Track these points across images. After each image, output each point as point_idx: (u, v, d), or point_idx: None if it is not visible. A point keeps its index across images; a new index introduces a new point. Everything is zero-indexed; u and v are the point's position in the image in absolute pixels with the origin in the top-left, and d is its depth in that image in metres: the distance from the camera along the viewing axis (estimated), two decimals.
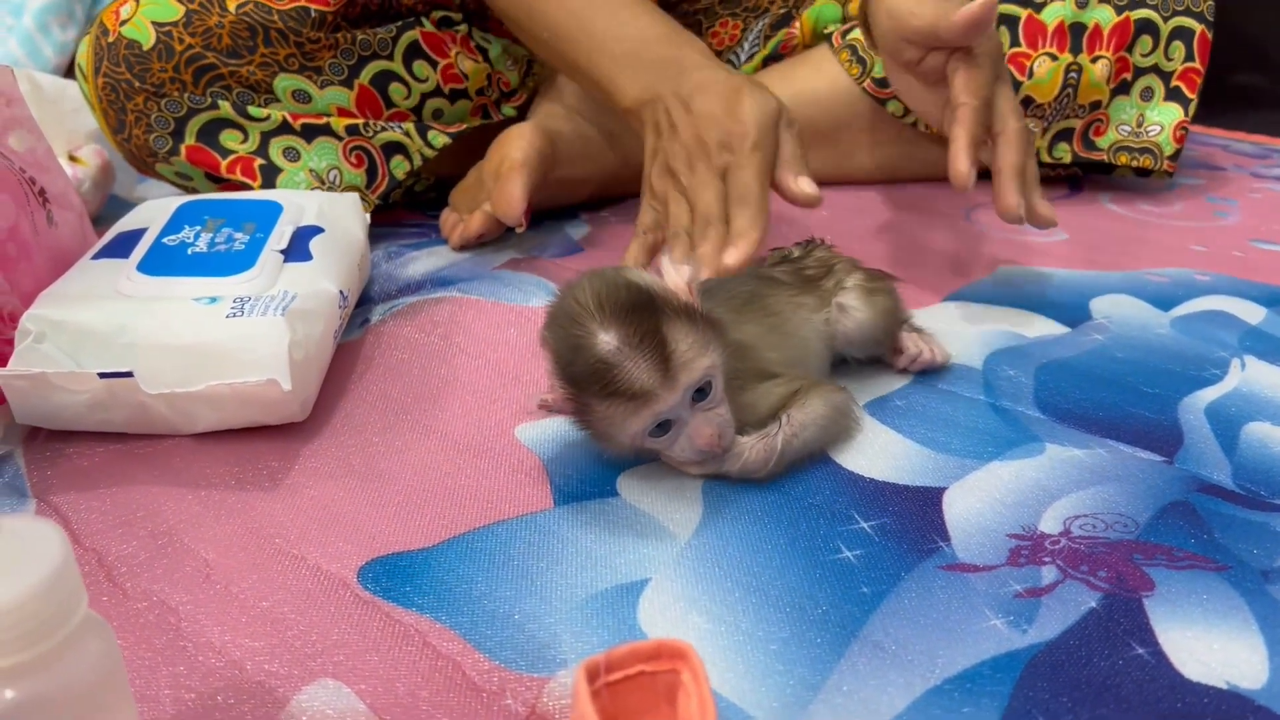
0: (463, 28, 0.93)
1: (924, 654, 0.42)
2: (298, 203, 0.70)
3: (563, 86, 0.94)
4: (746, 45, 1.09)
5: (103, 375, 0.54)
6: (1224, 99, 1.33)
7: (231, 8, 0.82)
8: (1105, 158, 0.96)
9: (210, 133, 0.83)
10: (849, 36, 0.95)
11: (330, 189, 0.84)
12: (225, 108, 0.82)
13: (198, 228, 0.65)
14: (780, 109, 0.70)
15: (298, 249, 0.65)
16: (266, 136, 0.84)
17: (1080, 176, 1.02)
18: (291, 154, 0.84)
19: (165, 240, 0.64)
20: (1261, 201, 0.97)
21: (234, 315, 0.56)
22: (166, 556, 0.49)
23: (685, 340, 0.49)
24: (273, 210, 0.68)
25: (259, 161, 0.83)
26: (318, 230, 0.67)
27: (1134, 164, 0.95)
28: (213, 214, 0.67)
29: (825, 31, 0.99)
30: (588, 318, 0.48)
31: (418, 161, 0.88)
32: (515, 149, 0.80)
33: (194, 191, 0.87)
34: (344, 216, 0.72)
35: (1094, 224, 0.90)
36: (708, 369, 0.49)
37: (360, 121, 0.86)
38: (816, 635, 0.43)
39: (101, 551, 0.49)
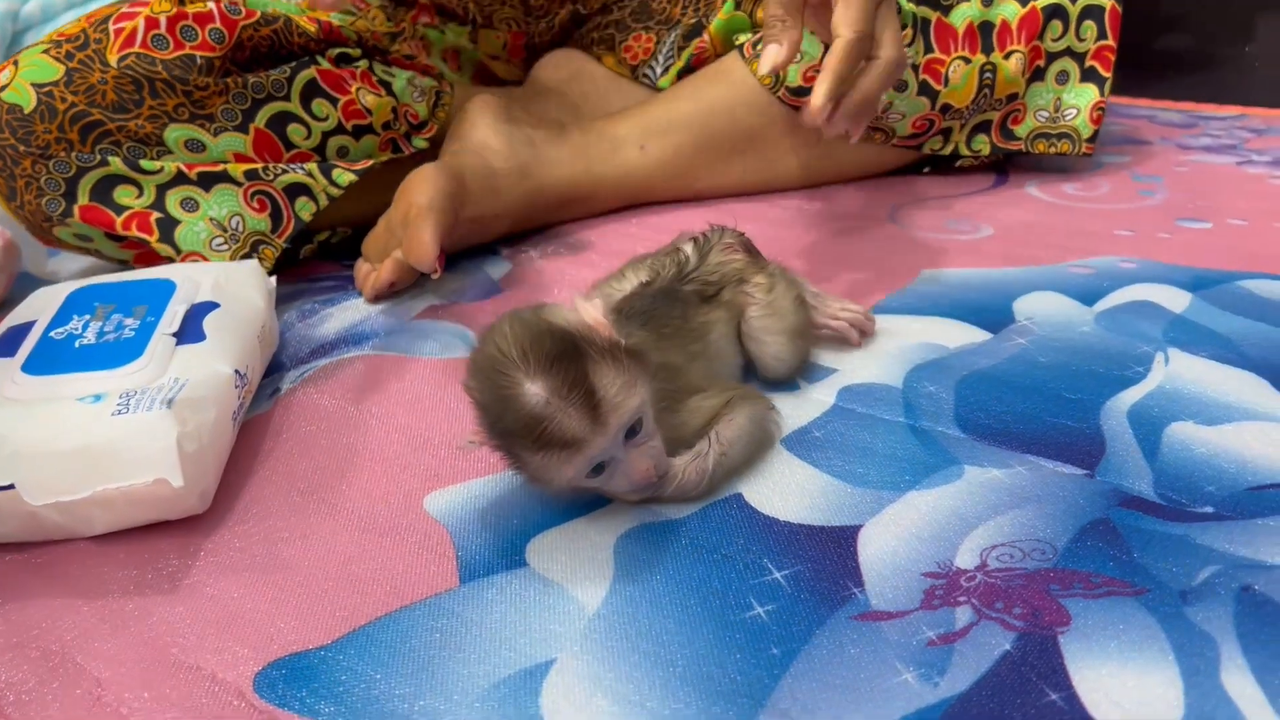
0: (362, 63, 0.91)
1: None
2: (193, 279, 0.68)
3: (475, 120, 0.92)
4: (661, 58, 1.07)
5: None
6: (1147, 67, 1.33)
7: (113, 61, 0.80)
8: (1023, 147, 0.95)
9: (103, 191, 0.81)
10: (760, 47, 0.94)
11: (233, 236, 0.82)
12: (116, 163, 0.80)
13: (87, 317, 0.63)
14: None
15: (191, 329, 0.63)
16: (162, 189, 0.81)
17: (1003, 160, 1.01)
18: (190, 204, 0.82)
19: (53, 334, 0.62)
20: (1188, 175, 0.97)
21: (120, 412, 0.54)
22: (58, 679, 0.47)
23: (613, 383, 0.48)
24: (165, 290, 0.66)
25: (155, 215, 0.81)
26: (213, 306, 0.65)
27: (1052, 150, 0.94)
28: (103, 299, 0.65)
29: (736, 42, 0.97)
30: (513, 368, 0.47)
31: (323, 201, 0.86)
32: (421, 193, 0.78)
33: (96, 253, 0.86)
34: (243, 287, 0.70)
35: (1019, 216, 0.89)
36: (637, 408, 0.49)
37: (259, 166, 0.84)
38: (723, 709, 0.41)
39: None
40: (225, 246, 0.82)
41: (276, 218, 0.84)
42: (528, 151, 0.92)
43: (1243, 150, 1.02)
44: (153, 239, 0.81)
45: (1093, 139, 0.93)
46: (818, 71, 0.70)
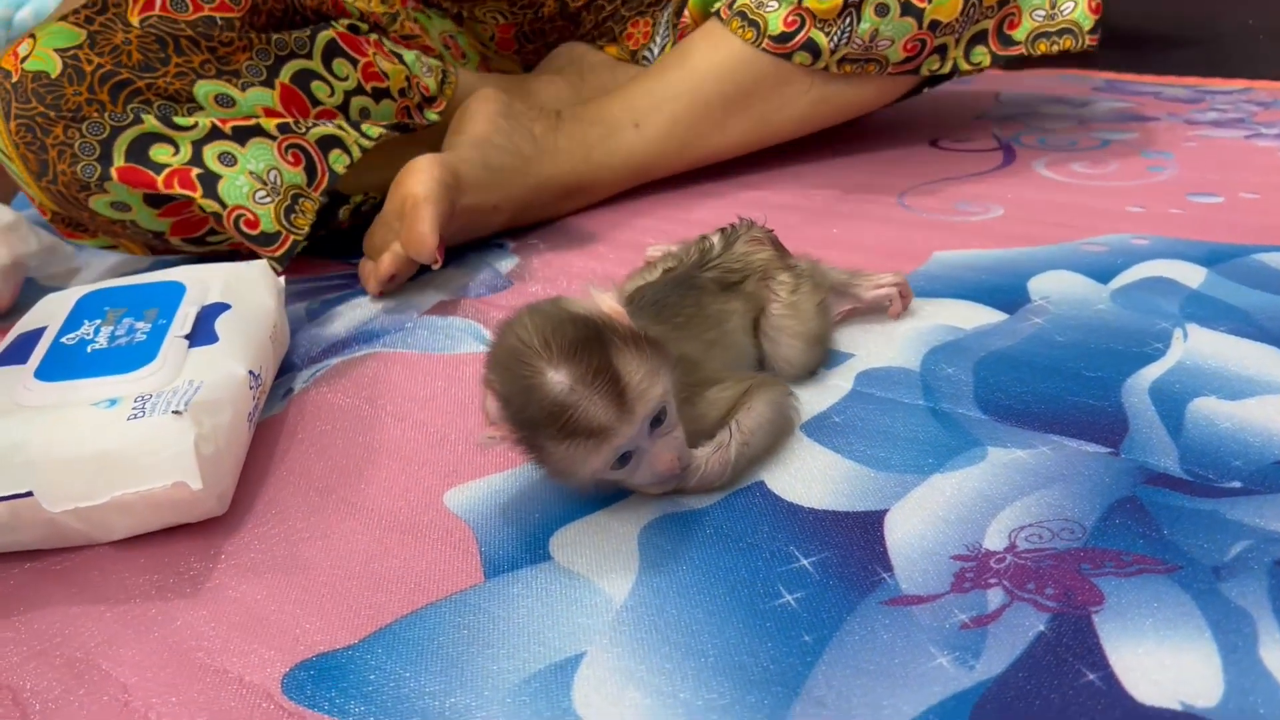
0: (373, 36, 0.91)
1: (867, 706, 0.40)
2: (202, 280, 0.68)
3: (475, 115, 0.92)
4: (658, 39, 1.07)
5: (1, 499, 0.52)
6: (1149, 42, 1.32)
7: (135, 22, 0.79)
8: (1024, 50, 0.92)
9: (139, 150, 0.79)
10: (736, 5, 0.92)
11: (273, 190, 0.81)
12: (150, 121, 0.79)
13: (98, 321, 0.63)
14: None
15: (203, 331, 0.62)
16: (198, 145, 0.80)
17: (1008, 142, 1.00)
18: (228, 159, 0.81)
19: (64, 340, 0.62)
20: (1196, 150, 0.96)
21: (135, 416, 0.54)
22: (84, 686, 0.46)
23: (638, 371, 0.47)
24: (175, 292, 0.66)
25: (196, 171, 0.80)
26: (224, 308, 0.65)
27: (1054, 49, 0.91)
28: (113, 304, 0.65)
29: (713, 10, 0.96)
30: (535, 357, 0.47)
31: (356, 153, 0.86)
32: (416, 184, 0.78)
33: (132, 225, 0.84)
34: (253, 287, 0.69)
35: (1029, 195, 0.89)
36: (662, 396, 0.49)
37: (290, 120, 0.83)
38: (757, 698, 0.41)
39: (16, 689, 0.47)
40: (268, 199, 0.81)
41: (311, 171, 0.84)
42: (529, 146, 0.91)
43: (1251, 124, 1.02)
44: (197, 195, 0.79)
45: (1094, 30, 0.90)
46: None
